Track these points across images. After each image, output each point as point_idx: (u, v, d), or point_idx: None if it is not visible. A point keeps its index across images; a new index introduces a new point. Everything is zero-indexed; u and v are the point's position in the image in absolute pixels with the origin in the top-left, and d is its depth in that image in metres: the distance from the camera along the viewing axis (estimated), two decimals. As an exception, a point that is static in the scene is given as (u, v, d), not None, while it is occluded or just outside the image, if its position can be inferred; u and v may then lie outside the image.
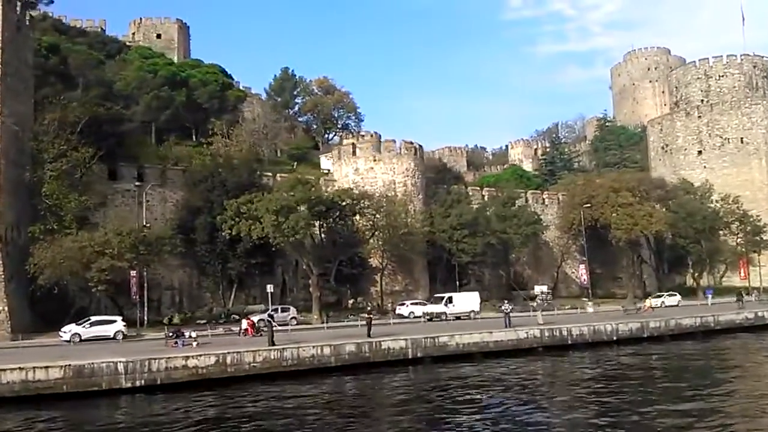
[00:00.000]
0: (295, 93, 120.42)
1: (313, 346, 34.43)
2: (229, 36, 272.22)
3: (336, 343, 35.34)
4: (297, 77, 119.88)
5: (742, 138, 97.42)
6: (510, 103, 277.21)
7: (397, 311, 57.97)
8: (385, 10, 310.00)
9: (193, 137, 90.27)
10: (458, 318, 55.53)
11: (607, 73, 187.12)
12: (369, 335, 37.57)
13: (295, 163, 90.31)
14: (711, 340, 47.50)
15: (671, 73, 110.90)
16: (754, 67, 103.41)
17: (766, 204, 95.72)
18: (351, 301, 64.22)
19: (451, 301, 57.23)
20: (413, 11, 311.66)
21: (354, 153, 65.79)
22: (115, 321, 44.39)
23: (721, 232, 79.12)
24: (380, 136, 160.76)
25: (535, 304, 61.99)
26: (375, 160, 65.03)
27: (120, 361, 29.88)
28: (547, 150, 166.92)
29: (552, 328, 42.75)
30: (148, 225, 51.45)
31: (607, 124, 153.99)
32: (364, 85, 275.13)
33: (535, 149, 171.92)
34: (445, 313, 55.26)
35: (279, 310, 51.60)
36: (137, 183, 56.63)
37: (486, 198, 75.95)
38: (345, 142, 71.73)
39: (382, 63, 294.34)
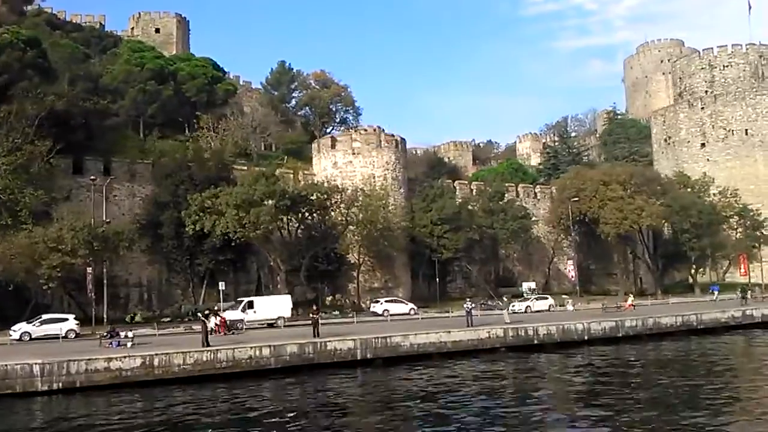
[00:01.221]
0: (292, 87, 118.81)
1: (251, 347, 32.72)
2: (230, 30, 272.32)
3: (276, 343, 33.59)
4: (294, 71, 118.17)
5: (746, 130, 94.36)
6: (529, 99, 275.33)
7: (372, 309, 56.08)
8: (403, 6, 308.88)
9: (186, 131, 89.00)
10: (271, 326, 47.05)
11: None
12: (316, 335, 35.76)
13: (286, 158, 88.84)
14: (692, 340, 45.27)
15: (675, 63, 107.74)
16: (760, 56, 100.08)
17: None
18: (329, 298, 62.51)
19: (251, 307, 47.53)
20: (431, 7, 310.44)
21: (333, 146, 63.95)
22: (66, 319, 42.99)
23: (721, 226, 76.19)
24: (383, 130, 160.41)
25: (503, 302, 60.24)
26: (354, 154, 63.19)
27: (36, 363, 28.40)
28: (556, 144, 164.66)
29: (517, 327, 40.66)
30: (108, 220, 49.99)
31: (617, 117, 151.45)
32: (377, 82, 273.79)
33: (544, 143, 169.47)
34: (242, 321, 45.18)
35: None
36: (103, 177, 55.24)
37: (474, 192, 73.76)
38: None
39: (399, 60, 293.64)
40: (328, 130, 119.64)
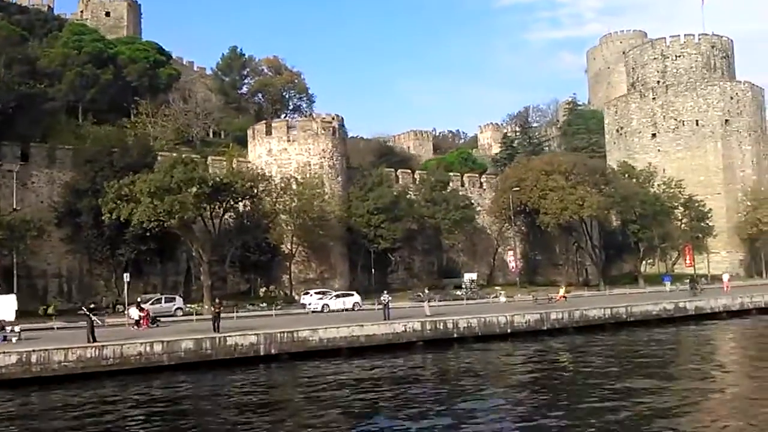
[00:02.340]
0: (244, 73, 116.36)
1: (141, 343, 30.89)
2: (187, 16, 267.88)
3: (169, 339, 31.82)
4: (246, 56, 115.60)
5: (697, 120, 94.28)
6: (502, 90, 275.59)
7: (302, 301, 54.40)
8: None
9: (131, 117, 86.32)
10: None
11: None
12: (216, 329, 34.02)
13: (231, 145, 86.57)
14: (621, 334, 44.34)
15: (628, 53, 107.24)
16: (713, 47, 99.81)
17: (722, 189, 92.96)
18: (263, 290, 60.77)
19: None
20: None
21: (268, 133, 62.00)
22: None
23: (668, 217, 75.64)
24: (343, 119, 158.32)
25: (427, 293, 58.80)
26: (289, 141, 61.30)
27: None
28: (517, 134, 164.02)
29: (435, 320, 39.29)
30: (17, 208, 47.64)
31: (577, 108, 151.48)
32: (348, 72, 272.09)
33: (505, 133, 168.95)
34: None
35: (163, 300, 48.10)
36: (21, 163, 52.79)
37: (417, 182, 72.30)
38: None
39: (374, 50, 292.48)
40: (281, 118, 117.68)
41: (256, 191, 51.78)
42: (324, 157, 61.97)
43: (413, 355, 35.68)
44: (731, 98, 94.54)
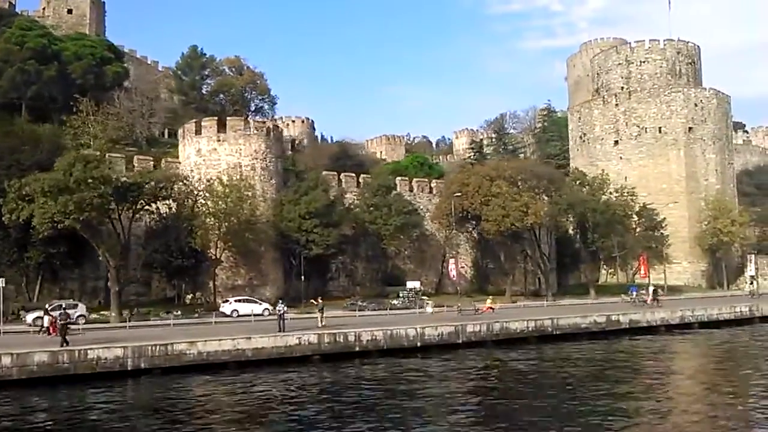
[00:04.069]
0: (205, 73, 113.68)
1: (-14, 355, 28.24)
2: (155, 15, 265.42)
3: (20, 351, 29.12)
4: (207, 56, 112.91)
5: (660, 127, 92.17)
6: (492, 97, 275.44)
7: (221, 309, 51.71)
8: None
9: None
10: None
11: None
12: (63, 343, 31.04)
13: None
14: (546, 348, 41.96)
15: (593, 59, 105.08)
16: (678, 53, 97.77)
17: (684, 198, 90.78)
18: (189, 297, 58.07)
19: None
20: (397, 3, 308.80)
21: (198, 132, 59.33)
22: None
23: (621, 226, 73.19)
24: (313, 122, 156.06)
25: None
26: (219, 141, 58.61)
27: None
28: (492, 140, 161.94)
29: (334, 333, 36.71)
30: None
31: (552, 114, 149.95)
32: (335, 77, 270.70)
33: (481, 139, 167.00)
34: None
35: (63, 307, 45.15)
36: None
37: (361, 186, 69.72)
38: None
39: (366, 56, 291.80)
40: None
41: (169, 193, 49.02)
42: (256, 159, 59.31)
43: (301, 370, 33.13)
44: (695, 105, 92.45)
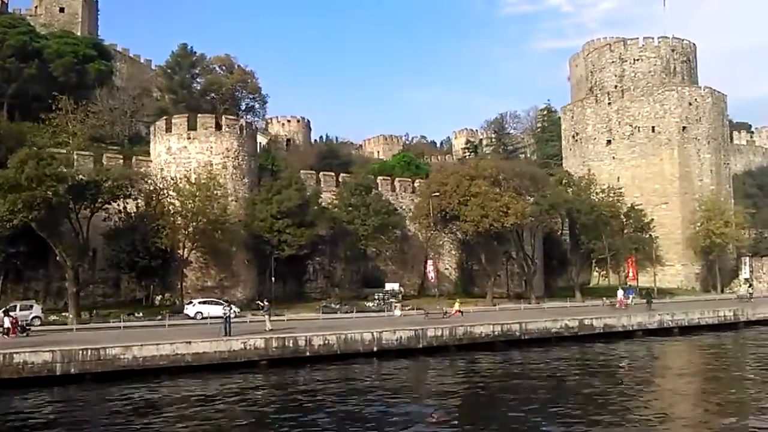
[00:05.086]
0: (197, 71, 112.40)
1: None
2: (150, 14, 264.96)
3: (-65, 355, 27.83)
4: (197, 54, 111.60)
5: (653, 127, 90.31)
6: (500, 98, 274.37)
7: (185, 311, 50.32)
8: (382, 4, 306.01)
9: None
10: None
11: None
12: None
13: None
14: (512, 352, 40.34)
15: (587, 57, 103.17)
16: (673, 50, 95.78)
17: (678, 199, 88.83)
18: (159, 298, 56.77)
19: None
20: (408, 6, 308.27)
21: (168, 129, 58.03)
22: None
23: (607, 227, 71.41)
24: (309, 122, 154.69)
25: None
26: (189, 139, 57.28)
27: None
28: (492, 140, 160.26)
29: (283, 337, 35.20)
30: None
31: (551, 114, 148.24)
32: (350, 80, 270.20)
33: (481, 139, 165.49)
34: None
35: (18, 308, 44.04)
36: None
37: (340, 186, 68.23)
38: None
39: (379, 59, 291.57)
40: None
41: (129, 191, 47.70)
42: (228, 157, 57.94)
43: (247, 375, 31.65)
44: (689, 104, 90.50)
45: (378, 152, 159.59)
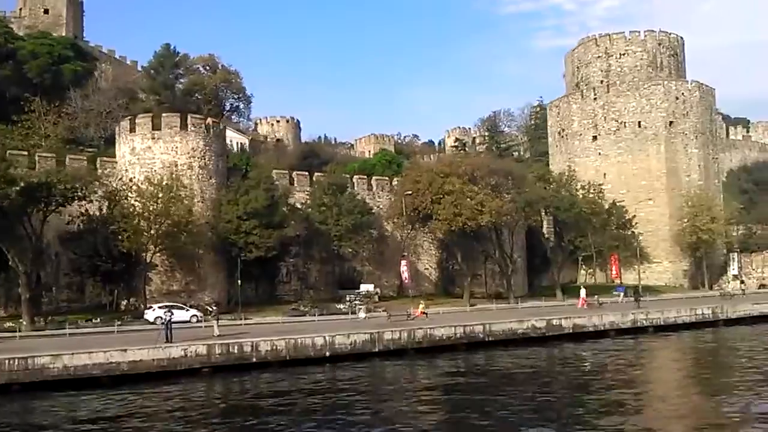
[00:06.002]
0: (180, 71, 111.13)
1: None
2: (136, 16, 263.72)
3: None
4: (180, 54, 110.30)
5: (639, 122, 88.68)
6: (501, 96, 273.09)
7: (145, 316, 48.96)
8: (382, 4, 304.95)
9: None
10: None
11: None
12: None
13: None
14: (476, 355, 38.99)
15: (573, 52, 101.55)
16: (660, 44, 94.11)
17: (665, 195, 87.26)
18: (124, 303, 55.42)
19: None
20: (408, 5, 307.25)
21: (132, 129, 56.71)
22: None
23: (588, 225, 69.85)
24: (299, 122, 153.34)
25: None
26: (153, 139, 55.93)
27: None
28: (485, 138, 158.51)
29: (228, 343, 33.86)
30: None
31: (544, 111, 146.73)
32: (352, 80, 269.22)
33: (474, 137, 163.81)
34: None
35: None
36: None
37: (314, 185, 66.83)
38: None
39: (380, 60, 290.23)
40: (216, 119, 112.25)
41: (84, 194, 46.40)
42: (194, 157, 56.56)
43: (188, 383, 30.30)
44: (676, 98, 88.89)
45: (369, 151, 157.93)
